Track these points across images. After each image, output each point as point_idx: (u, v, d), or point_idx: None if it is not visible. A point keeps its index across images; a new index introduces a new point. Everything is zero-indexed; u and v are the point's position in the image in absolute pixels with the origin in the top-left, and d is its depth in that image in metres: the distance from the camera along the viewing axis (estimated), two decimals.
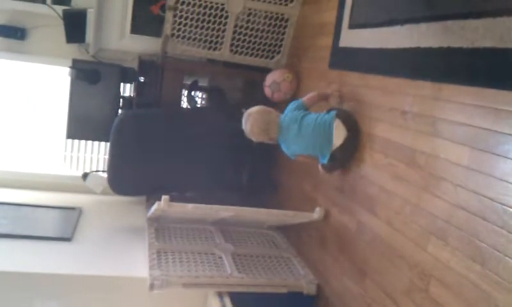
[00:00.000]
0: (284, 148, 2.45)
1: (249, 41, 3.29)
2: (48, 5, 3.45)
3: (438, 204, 1.68)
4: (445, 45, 1.71)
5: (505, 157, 1.42)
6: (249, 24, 3.24)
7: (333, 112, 2.27)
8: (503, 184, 1.42)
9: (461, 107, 1.61)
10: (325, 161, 2.30)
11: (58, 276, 2.48)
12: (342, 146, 2.22)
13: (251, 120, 2.41)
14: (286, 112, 2.43)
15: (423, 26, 1.85)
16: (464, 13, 1.64)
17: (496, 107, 1.46)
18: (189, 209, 2.53)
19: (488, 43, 1.52)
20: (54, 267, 2.53)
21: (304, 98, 2.46)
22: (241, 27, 3.24)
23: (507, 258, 1.37)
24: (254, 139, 2.45)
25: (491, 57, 1.50)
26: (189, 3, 3.08)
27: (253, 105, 2.47)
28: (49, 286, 2.47)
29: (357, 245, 2.21)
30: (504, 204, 1.40)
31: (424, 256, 1.72)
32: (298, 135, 2.32)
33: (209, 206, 2.56)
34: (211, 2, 3.10)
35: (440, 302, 1.62)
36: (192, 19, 3.14)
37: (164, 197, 2.47)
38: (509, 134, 1.41)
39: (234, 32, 3.23)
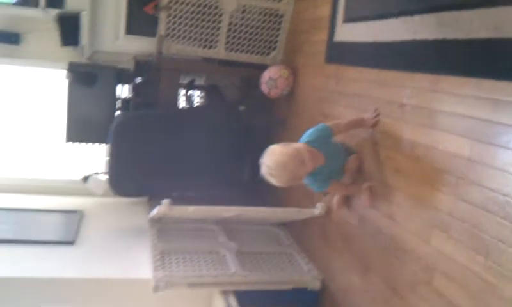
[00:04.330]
0: (318, 177, 2.05)
1: (245, 38, 3.27)
2: (41, 9, 3.43)
3: (439, 197, 1.68)
4: (440, 36, 1.71)
5: (506, 147, 1.42)
6: (244, 21, 3.23)
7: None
8: (504, 175, 1.42)
9: (460, 99, 1.61)
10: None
11: (63, 280, 2.49)
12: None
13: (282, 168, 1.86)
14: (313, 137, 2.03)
15: (417, 18, 1.85)
16: (457, 4, 1.64)
17: (495, 98, 1.46)
18: (191, 211, 2.53)
19: (483, 34, 1.51)
20: (58, 271, 2.53)
21: (332, 124, 2.08)
22: (236, 24, 3.22)
23: (510, 249, 1.37)
24: (284, 185, 1.91)
25: (487, 48, 1.50)
26: (182, 2, 3.06)
27: (251, 102, 2.36)
28: (54, 290, 2.47)
29: (360, 240, 2.22)
30: (506, 195, 1.40)
31: (427, 249, 1.73)
32: (334, 148, 2.13)
33: (211, 207, 2.56)
34: (205, 1, 3.08)
35: (444, 295, 1.62)
36: (186, 18, 3.13)
37: (165, 201, 2.46)
38: (509, 124, 1.41)
39: (229, 30, 3.22)
